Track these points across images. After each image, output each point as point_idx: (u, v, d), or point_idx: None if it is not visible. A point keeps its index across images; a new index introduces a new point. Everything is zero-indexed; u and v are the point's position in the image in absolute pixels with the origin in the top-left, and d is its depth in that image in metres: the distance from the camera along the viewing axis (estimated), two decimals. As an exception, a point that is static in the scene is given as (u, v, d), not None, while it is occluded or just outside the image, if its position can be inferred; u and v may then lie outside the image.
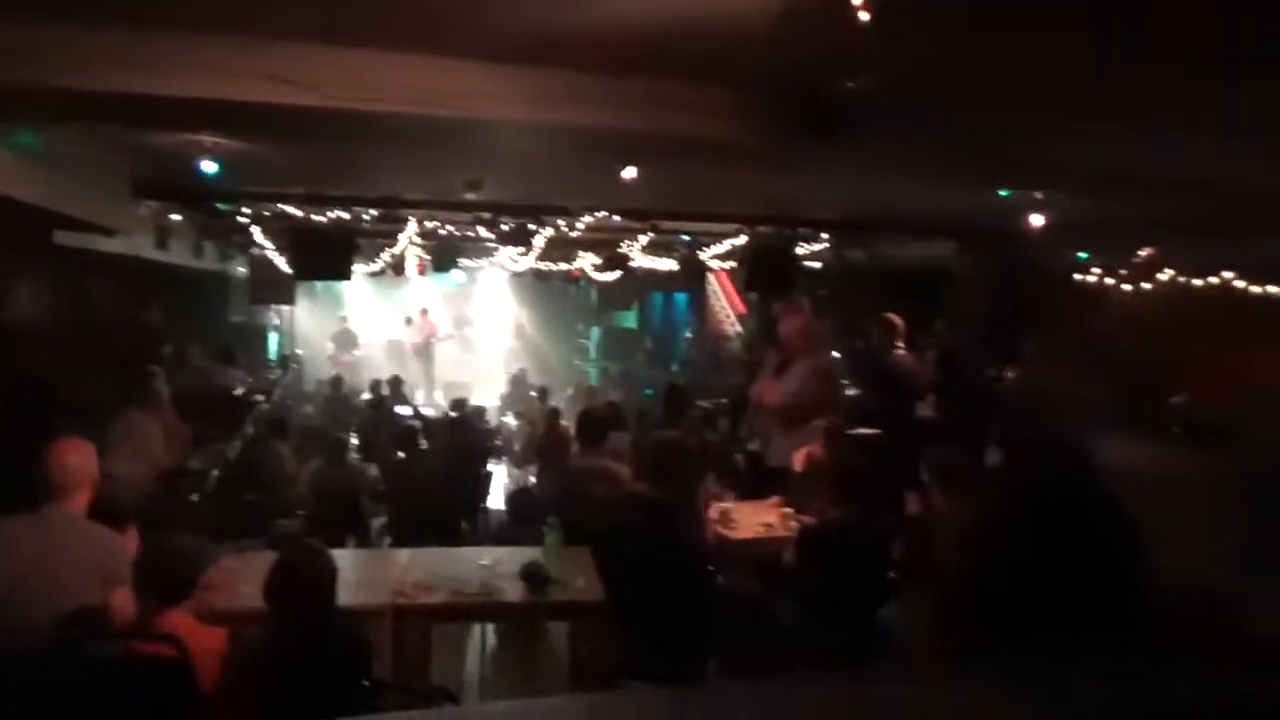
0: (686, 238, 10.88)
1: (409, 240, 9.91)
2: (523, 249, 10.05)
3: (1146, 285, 9.33)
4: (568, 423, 8.14)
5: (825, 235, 10.00)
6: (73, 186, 5.73)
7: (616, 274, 12.33)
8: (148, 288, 9.83)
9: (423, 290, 16.18)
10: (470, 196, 7.53)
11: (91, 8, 3.60)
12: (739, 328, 15.23)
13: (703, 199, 8.53)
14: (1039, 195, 6.95)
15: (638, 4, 3.46)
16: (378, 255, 11.20)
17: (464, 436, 8.68)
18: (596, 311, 18.18)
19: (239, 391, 9.89)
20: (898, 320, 7.18)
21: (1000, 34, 3.64)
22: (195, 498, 6.63)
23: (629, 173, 5.87)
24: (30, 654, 2.95)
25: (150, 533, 3.58)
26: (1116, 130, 4.93)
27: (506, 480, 9.23)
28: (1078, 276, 9.89)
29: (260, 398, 10.41)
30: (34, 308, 7.01)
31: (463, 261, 12.01)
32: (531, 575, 4.20)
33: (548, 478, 6.82)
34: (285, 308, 14.20)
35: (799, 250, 10.21)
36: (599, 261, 12.07)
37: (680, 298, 17.46)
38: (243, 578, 3.89)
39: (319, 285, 14.64)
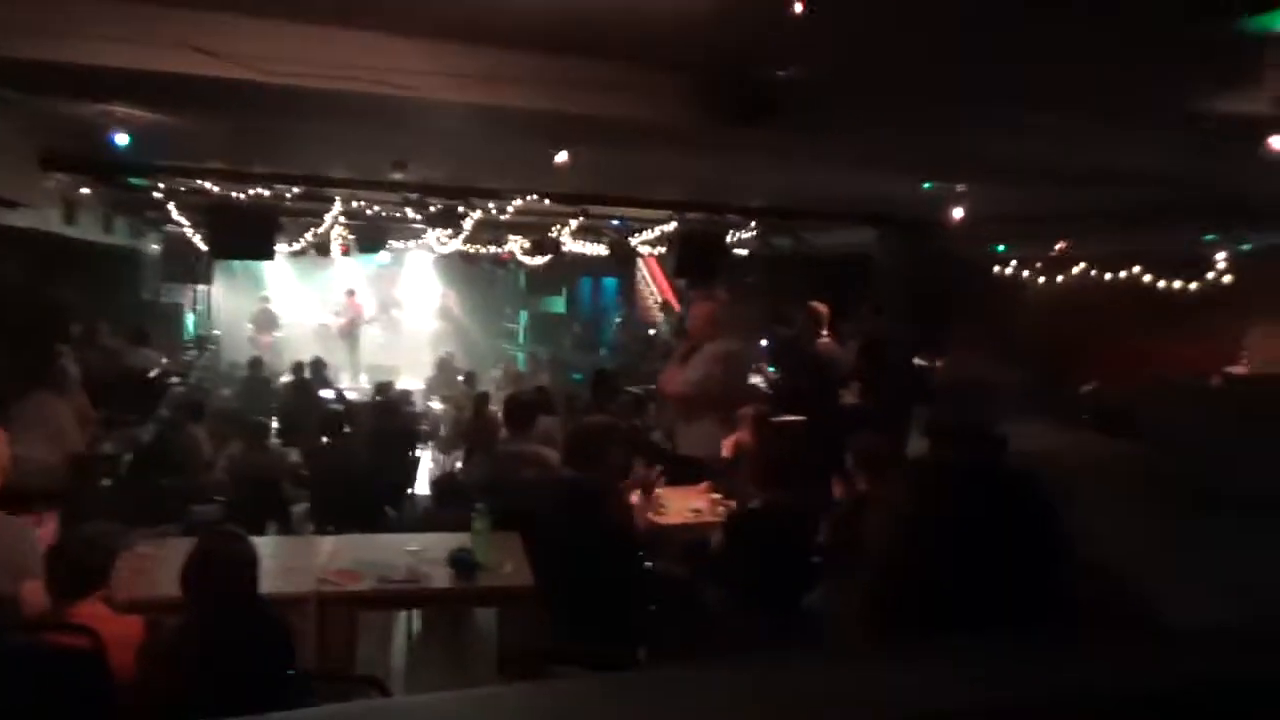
0: (617, 222, 10.88)
1: (334, 220, 9.70)
2: (451, 231, 9.92)
3: (1060, 278, 9.67)
4: (495, 407, 8.08)
5: (753, 223, 10.09)
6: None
7: (546, 258, 12.26)
8: (55, 264, 9.42)
9: (348, 271, 15.86)
10: (397, 177, 7.39)
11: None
12: (667, 313, 15.31)
13: (634, 184, 8.53)
14: (960, 187, 7.13)
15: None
16: (301, 235, 10.92)
17: (389, 420, 8.55)
18: (525, 295, 18.06)
19: (153, 373, 9.58)
20: (822, 308, 7.29)
21: (931, 27, 3.72)
22: (107, 483, 6.41)
23: (561, 157, 5.82)
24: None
25: (64, 520, 3.46)
26: (1037, 123, 5.07)
27: (432, 465, 9.13)
28: (996, 268, 10.19)
29: (175, 379, 10.09)
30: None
31: (389, 243, 11.80)
32: (459, 561, 4.16)
33: (475, 463, 6.76)
34: (202, 287, 13.79)
35: (728, 239, 10.30)
36: (528, 245, 11.99)
37: (609, 283, 17.46)
38: (158, 565, 3.78)
39: (238, 264, 14.24)
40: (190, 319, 14.34)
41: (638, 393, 9.04)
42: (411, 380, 13.32)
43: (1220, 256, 8.18)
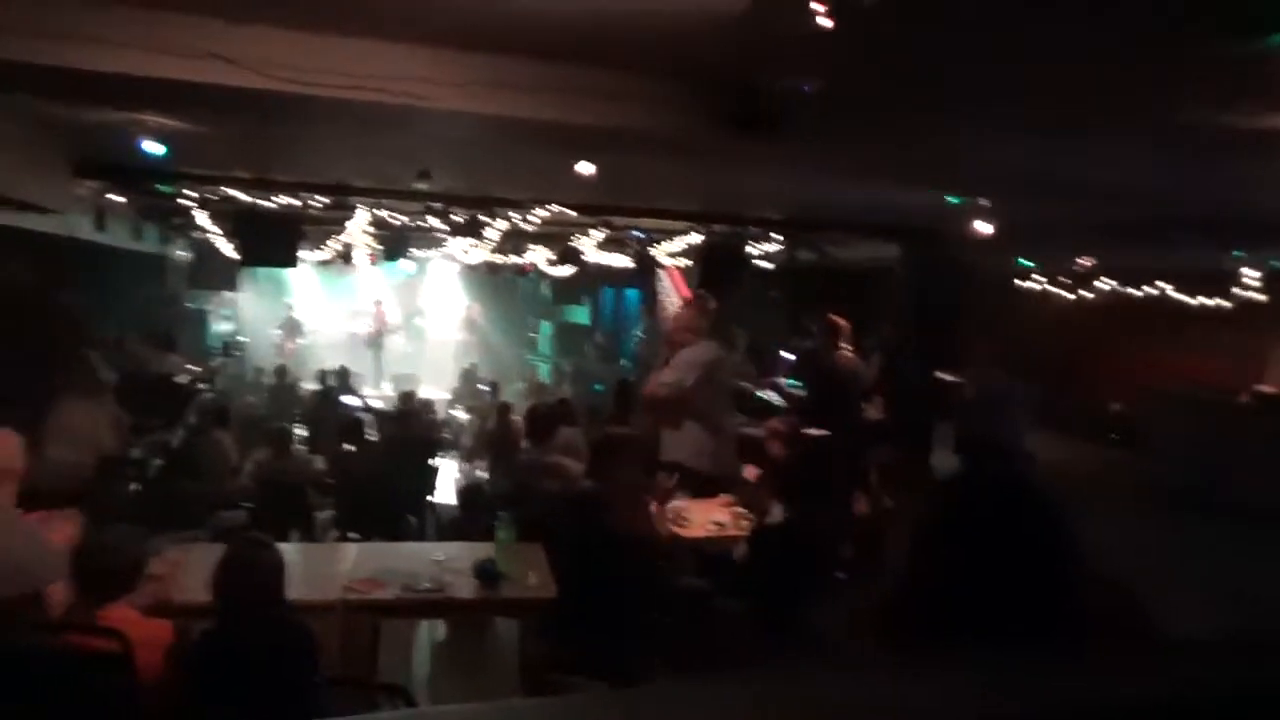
0: (639, 233, 10.89)
1: (359, 229, 9.77)
2: (475, 241, 9.97)
3: (1086, 293, 9.59)
4: (518, 417, 8.10)
5: (778, 236, 10.08)
6: (9, 164, 5.56)
7: (569, 269, 12.29)
8: (84, 269, 9.55)
9: (372, 280, 15.97)
10: (422, 186, 7.45)
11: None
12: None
13: (656, 195, 8.55)
14: (986, 201, 7.10)
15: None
16: (326, 243, 11.01)
17: (412, 429, 8.59)
18: (548, 305, 18.10)
19: (180, 379, 9.67)
20: (840, 320, 7.27)
21: (951, 38, 3.72)
22: (135, 487, 6.47)
23: (584, 168, 5.83)
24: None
25: (91, 522, 3.49)
26: (1061, 137, 5.05)
27: (456, 474, 9.16)
28: (1020, 282, 10.13)
29: (202, 385, 10.18)
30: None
31: (413, 252, 11.86)
32: (484, 571, 4.18)
33: (498, 472, 6.79)
34: (228, 294, 13.92)
35: (753, 250, 10.29)
36: (551, 255, 12.02)
37: (631, 293, 17.46)
38: (186, 570, 3.82)
39: (263, 272, 14.37)
40: (217, 325, 14.49)
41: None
42: (434, 389, 13.37)
43: (1249, 273, 8.10)
